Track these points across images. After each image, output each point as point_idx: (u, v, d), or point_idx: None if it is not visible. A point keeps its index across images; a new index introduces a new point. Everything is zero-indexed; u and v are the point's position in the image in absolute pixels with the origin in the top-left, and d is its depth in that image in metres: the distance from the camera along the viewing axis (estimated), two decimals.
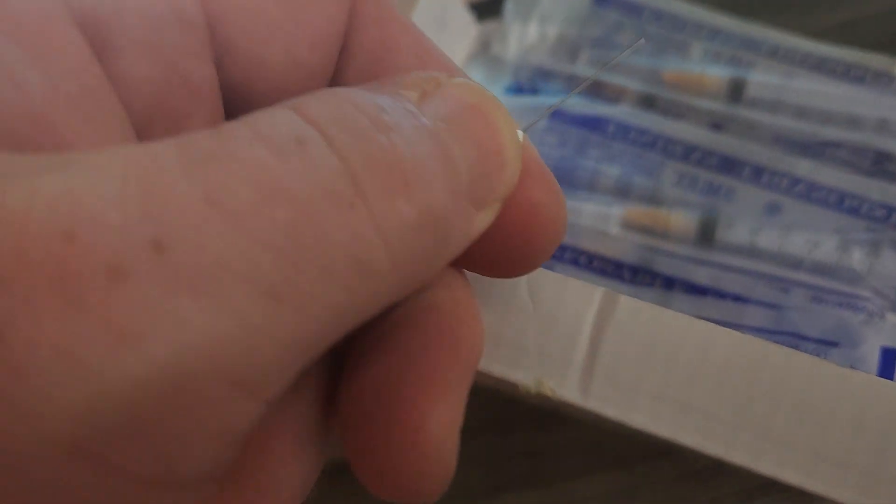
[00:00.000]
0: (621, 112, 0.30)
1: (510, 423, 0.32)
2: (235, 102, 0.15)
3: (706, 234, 0.28)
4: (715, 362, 0.16)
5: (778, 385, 0.16)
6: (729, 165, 0.29)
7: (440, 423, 0.13)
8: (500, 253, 0.14)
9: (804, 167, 0.28)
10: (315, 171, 0.11)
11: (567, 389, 0.17)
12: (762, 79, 0.31)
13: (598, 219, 0.28)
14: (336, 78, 0.15)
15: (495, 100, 0.13)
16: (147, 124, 0.14)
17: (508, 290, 0.17)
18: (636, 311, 0.17)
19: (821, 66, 0.31)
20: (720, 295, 0.26)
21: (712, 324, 0.16)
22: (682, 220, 0.28)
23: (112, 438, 0.09)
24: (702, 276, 0.27)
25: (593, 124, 0.30)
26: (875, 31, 0.35)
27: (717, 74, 0.31)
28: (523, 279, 0.17)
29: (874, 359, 0.24)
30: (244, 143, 0.11)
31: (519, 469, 0.31)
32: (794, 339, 0.25)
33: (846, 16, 0.36)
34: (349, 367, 0.14)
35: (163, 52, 0.13)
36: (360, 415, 0.13)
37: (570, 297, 0.17)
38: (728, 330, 0.16)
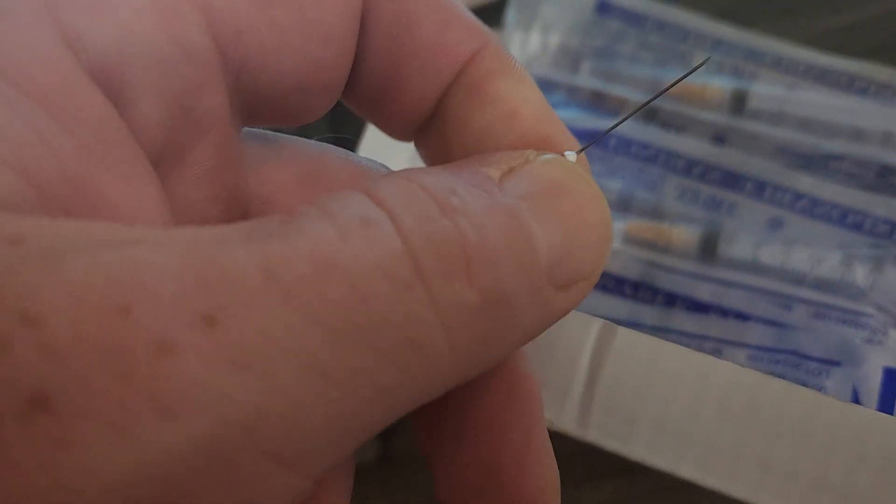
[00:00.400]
0: (623, 126, 0.30)
1: None
2: (257, 109, 0.15)
3: (708, 249, 0.28)
4: (714, 394, 0.16)
5: (777, 417, 0.16)
6: (731, 180, 0.29)
7: (548, 483, 0.14)
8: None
9: (807, 182, 0.28)
10: (375, 250, 0.11)
11: (566, 421, 0.17)
12: (765, 90, 0.31)
13: None
14: (357, 63, 0.15)
15: (585, 176, 0.13)
16: (157, 164, 0.14)
17: None
18: (634, 342, 0.17)
19: (824, 77, 0.31)
20: (722, 312, 0.26)
21: (710, 356, 0.16)
22: (684, 234, 0.28)
23: None
24: (704, 292, 0.27)
25: (594, 138, 0.30)
26: (877, 34, 0.35)
27: (720, 86, 0.31)
28: None
29: (877, 378, 0.24)
30: (310, 220, 0.11)
31: None
32: (797, 358, 0.25)
33: (848, 20, 0.35)
34: (438, 445, 0.15)
35: (170, 93, 0.13)
36: (468, 495, 0.14)
37: (569, 329, 0.17)
38: (726, 362, 0.16)
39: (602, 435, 0.16)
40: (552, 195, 0.12)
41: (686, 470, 0.16)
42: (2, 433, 0.09)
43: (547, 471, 0.14)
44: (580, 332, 0.17)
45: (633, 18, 0.33)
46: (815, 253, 0.27)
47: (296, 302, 0.10)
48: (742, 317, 0.26)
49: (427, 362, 0.11)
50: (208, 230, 0.11)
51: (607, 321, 0.17)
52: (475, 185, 0.12)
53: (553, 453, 0.15)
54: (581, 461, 0.38)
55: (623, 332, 0.17)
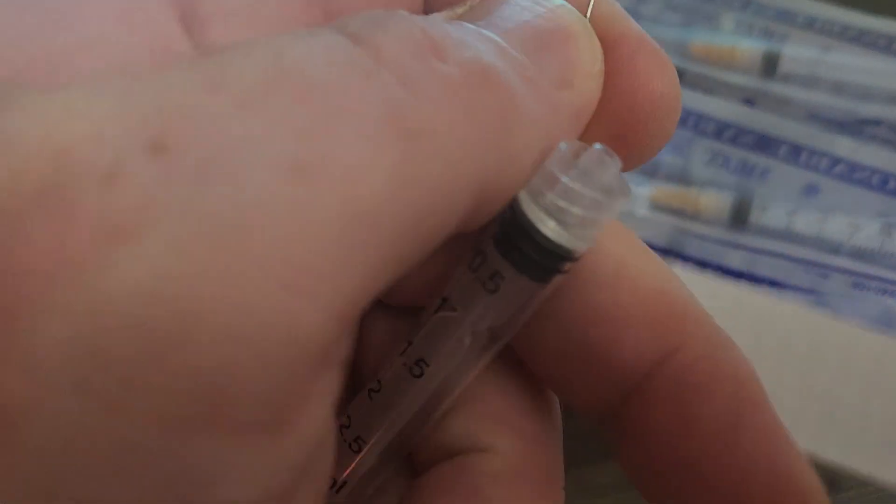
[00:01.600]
0: None
1: None
2: None
3: (739, 217, 0.26)
4: (748, 329, 0.15)
5: (823, 355, 0.15)
6: (764, 144, 0.27)
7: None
8: (615, 139, 0.12)
9: (845, 146, 0.27)
10: (329, 49, 0.10)
11: None
12: (797, 52, 0.30)
13: None
14: None
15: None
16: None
17: None
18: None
19: (860, 39, 0.30)
20: (755, 280, 0.25)
21: (744, 289, 0.15)
22: (714, 201, 0.27)
23: (123, 366, 0.08)
24: (735, 259, 0.26)
25: None
26: None
27: (750, 47, 0.30)
28: None
29: None
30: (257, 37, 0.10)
31: None
32: None
33: None
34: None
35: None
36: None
37: None
38: (761, 294, 0.15)
39: None
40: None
41: None
42: None
43: (807, 492, 0.11)
44: None
45: None
46: (853, 220, 0.26)
47: (252, 109, 0.09)
48: (776, 285, 0.25)
49: (417, 143, 0.10)
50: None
51: None
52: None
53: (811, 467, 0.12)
54: (595, 440, 0.37)
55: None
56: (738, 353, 0.12)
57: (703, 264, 0.26)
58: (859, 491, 0.34)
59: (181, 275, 0.08)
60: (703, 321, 0.12)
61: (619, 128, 0.12)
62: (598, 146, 0.11)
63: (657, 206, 0.27)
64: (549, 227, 0.11)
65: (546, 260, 0.11)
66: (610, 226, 0.12)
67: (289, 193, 0.08)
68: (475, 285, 0.12)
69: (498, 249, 0.11)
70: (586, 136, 0.12)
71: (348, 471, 0.13)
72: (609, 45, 0.12)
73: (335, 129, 0.09)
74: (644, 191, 0.27)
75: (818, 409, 0.16)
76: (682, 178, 0.27)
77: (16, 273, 0.08)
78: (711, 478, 0.11)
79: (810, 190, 0.27)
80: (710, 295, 0.17)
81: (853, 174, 0.27)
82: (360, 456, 0.13)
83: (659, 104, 0.13)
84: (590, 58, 0.12)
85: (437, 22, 0.11)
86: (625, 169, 0.12)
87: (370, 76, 0.09)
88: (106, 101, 0.09)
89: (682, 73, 0.30)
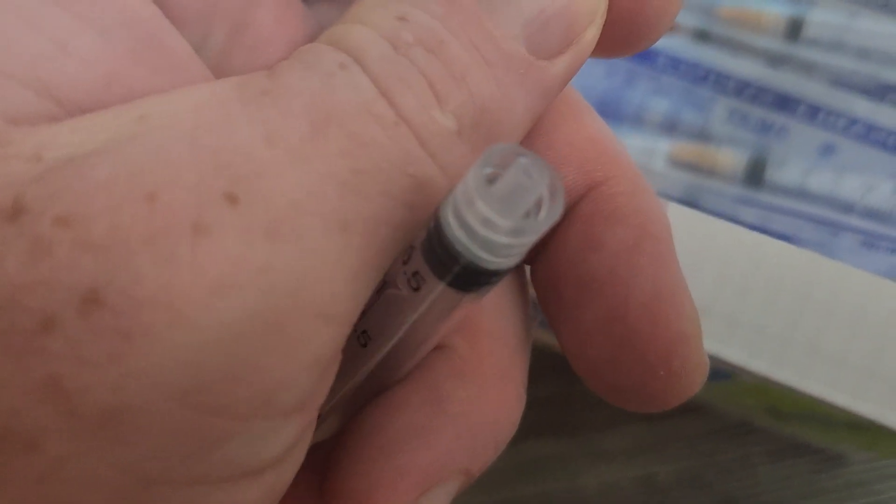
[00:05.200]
0: (673, 44, 0.30)
1: (540, 371, 0.33)
2: None
3: (755, 174, 0.28)
4: (766, 276, 0.16)
5: (831, 301, 0.16)
6: (783, 103, 0.28)
7: (686, 329, 0.14)
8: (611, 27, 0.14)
9: (863, 107, 0.28)
10: (359, 95, 0.11)
11: None
12: (823, 18, 0.31)
13: (643, 154, 0.28)
14: None
15: None
16: (202, 42, 0.14)
17: None
18: (685, 219, 0.17)
19: (888, 6, 0.31)
20: (768, 236, 0.26)
21: (764, 235, 0.16)
22: (731, 157, 0.28)
23: (215, 381, 0.10)
24: (749, 215, 0.27)
25: (642, 56, 0.30)
26: None
27: (776, 12, 0.31)
28: None
29: None
30: (294, 73, 0.12)
31: (545, 417, 0.32)
32: None
33: None
34: (561, 311, 0.14)
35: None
36: (600, 363, 0.14)
37: None
38: (781, 242, 0.16)
39: None
40: None
41: (733, 355, 0.16)
42: (67, 333, 0.10)
43: (683, 316, 0.13)
44: None
45: None
46: (866, 181, 0.27)
47: (303, 162, 0.11)
48: (787, 240, 0.26)
49: (427, 193, 0.12)
50: (206, 95, 0.11)
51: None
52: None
53: (692, 299, 0.14)
54: (604, 406, 0.38)
55: (674, 209, 0.17)
56: (653, 199, 0.14)
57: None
58: (864, 466, 0.36)
59: (261, 318, 0.11)
60: (628, 167, 0.14)
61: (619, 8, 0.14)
62: (523, 159, 0.11)
63: (675, 162, 0.28)
64: (467, 248, 0.11)
65: (467, 275, 0.11)
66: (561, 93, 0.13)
67: (331, 247, 0.11)
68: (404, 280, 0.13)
69: (422, 253, 0.12)
70: None
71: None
72: None
73: (370, 189, 0.11)
74: (663, 146, 0.28)
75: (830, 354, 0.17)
76: (701, 134, 0.29)
77: (130, 303, 0.10)
78: (605, 294, 0.14)
79: (827, 149, 0.28)
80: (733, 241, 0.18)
81: (870, 134, 0.28)
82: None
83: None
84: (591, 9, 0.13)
85: (450, 70, 0.12)
86: (627, 53, 0.13)
87: (395, 129, 0.11)
88: (181, 147, 0.11)
89: (708, 35, 0.31)
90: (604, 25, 0.13)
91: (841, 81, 0.29)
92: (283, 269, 0.10)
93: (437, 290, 0.12)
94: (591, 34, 0.13)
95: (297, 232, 0.11)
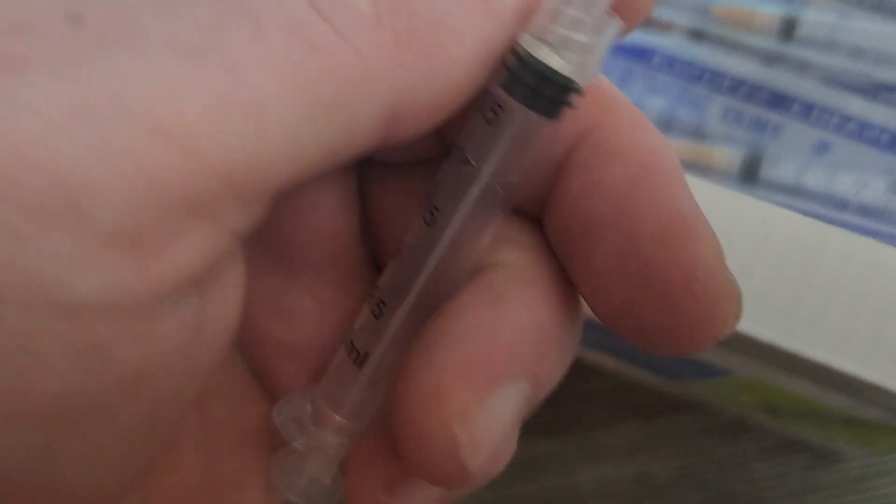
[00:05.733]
0: (668, 43, 0.30)
1: None
2: None
3: (750, 172, 0.28)
4: (773, 246, 0.16)
5: (837, 272, 0.16)
6: (778, 101, 0.29)
7: (703, 255, 0.13)
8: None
9: (856, 104, 0.28)
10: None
11: None
12: (816, 17, 0.31)
13: None
14: None
15: None
16: None
17: None
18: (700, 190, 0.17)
19: (880, 6, 0.31)
20: None
21: (770, 204, 0.16)
22: (727, 155, 0.28)
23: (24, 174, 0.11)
24: None
25: (638, 55, 0.30)
26: None
27: (770, 11, 0.31)
28: None
29: None
30: None
31: (541, 416, 0.32)
32: None
33: None
34: (572, 251, 0.14)
35: None
36: (616, 302, 0.14)
37: None
38: (788, 212, 0.16)
39: None
40: None
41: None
42: None
43: (697, 240, 0.13)
44: None
45: None
46: (860, 178, 0.27)
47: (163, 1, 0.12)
48: None
49: (331, 65, 0.12)
50: None
51: None
52: None
53: (710, 226, 0.13)
54: (600, 403, 0.39)
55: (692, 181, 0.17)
56: (654, 134, 0.14)
57: None
58: (859, 463, 0.36)
59: (64, 104, 0.10)
60: (625, 106, 0.14)
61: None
62: None
63: None
64: (551, 58, 0.12)
65: (552, 91, 0.13)
66: None
67: (180, 67, 0.11)
68: (485, 130, 0.13)
69: (507, 91, 0.13)
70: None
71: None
72: None
73: (237, 28, 0.11)
74: None
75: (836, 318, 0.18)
76: (697, 133, 0.29)
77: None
78: (613, 233, 0.13)
79: (821, 147, 0.28)
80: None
81: (863, 132, 0.28)
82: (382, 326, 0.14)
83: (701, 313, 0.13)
84: None
85: None
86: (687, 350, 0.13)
87: (282, 2, 0.12)
88: None
89: (702, 34, 0.31)
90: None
91: (834, 80, 0.30)
92: (105, 68, 0.11)
93: (527, 119, 0.13)
94: None
95: (135, 45, 0.11)
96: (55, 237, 0.10)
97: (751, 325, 0.17)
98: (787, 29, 0.31)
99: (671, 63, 0.30)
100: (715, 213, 0.17)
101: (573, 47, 0.13)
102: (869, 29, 0.31)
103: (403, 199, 0.16)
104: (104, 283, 0.11)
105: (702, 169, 0.28)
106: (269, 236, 0.16)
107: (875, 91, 0.29)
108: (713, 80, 0.30)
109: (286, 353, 0.17)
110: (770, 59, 0.30)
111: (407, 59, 0.12)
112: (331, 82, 0.12)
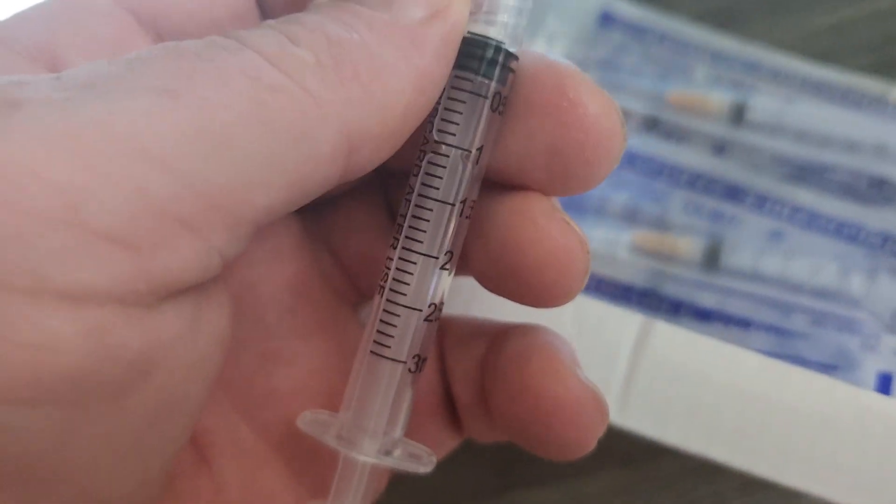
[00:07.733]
0: (628, 139, 0.33)
1: None
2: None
3: (712, 259, 0.30)
4: (741, 384, 0.19)
5: (798, 405, 0.19)
6: (733, 193, 0.31)
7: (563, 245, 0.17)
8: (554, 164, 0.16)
9: (805, 196, 0.31)
10: (207, 40, 0.14)
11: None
12: (763, 102, 0.34)
13: (607, 244, 0.31)
14: None
15: None
16: None
17: (554, 317, 0.20)
18: (671, 337, 0.20)
19: (820, 90, 0.34)
20: (725, 319, 0.29)
21: (740, 349, 0.19)
22: (689, 244, 0.31)
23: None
24: (708, 299, 0.30)
25: None
26: (868, 32, 0.37)
27: (720, 97, 0.34)
28: (569, 307, 0.20)
29: (871, 382, 0.27)
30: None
31: (528, 467, 0.34)
32: (797, 363, 0.28)
33: (840, 17, 0.38)
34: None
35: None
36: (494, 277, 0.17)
37: (611, 324, 0.20)
38: (755, 354, 0.19)
39: (640, 423, 0.19)
40: None
41: (716, 454, 0.19)
42: None
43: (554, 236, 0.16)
44: (621, 326, 0.20)
45: (635, 30, 0.36)
46: (813, 263, 0.30)
47: (135, 63, 0.14)
48: (744, 323, 0.29)
49: (289, 101, 0.14)
50: None
51: (646, 318, 0.20)
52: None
53: (571, 222, 0.16)
54: (584, 455, 0.40)
55: (661, 327, 0.20)
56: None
57: (678, 304, 0.30)
58: (766, 494, 0.38)
59: (60, 130, 0.12)
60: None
61: (556, 154, 0.16)
62: None
63: (637, 250, 0.31)
64: (483, 29, 0.16)
65: (488, 54, 0.16)
66: None
67: (157, 104, 0.13)
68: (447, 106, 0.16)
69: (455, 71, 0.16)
70: (526, 162, 0.16)
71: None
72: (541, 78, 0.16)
73: (202, 74, 0.13)
74: (625, 236, 0.31)
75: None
76: (661, 223, 0.31)
77: None
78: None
79: (775, 235, 0.31)
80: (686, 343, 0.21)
81: (813, 221, 0.31)
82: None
83: (593, 127, 0.16)
84: None
85: (291, 19, 0.15)
86: (569, 193, 0.16)
87: (237, 52, 0.14)
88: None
89: (657, 122, 0.34)
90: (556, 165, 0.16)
91: (783, 162, 0.32)
92: (88, 112, 0.13)
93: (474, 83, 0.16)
94: (458, 5, 0.15)
95: (111, 91, 0.13)
96: (57, 234, 0.12)
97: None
98: (738, 113, 0.34)
99: (632, 160, 0.32)
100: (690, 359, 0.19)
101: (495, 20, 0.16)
102: (810, 112, 0.33)
103: (357, 226, 0.20)
104: (103, 273, 0.13)
105: (666, 257, 0.31)
106: (242, 292, 0.18)
107: (821, 172, 0.32)
108: (672, 174, 0.32)
109: (284, 397, 0.19)
110: (721, 146, 0.33)
111: (353, 95, 0.14)
112: (290, 115, 0.14)
